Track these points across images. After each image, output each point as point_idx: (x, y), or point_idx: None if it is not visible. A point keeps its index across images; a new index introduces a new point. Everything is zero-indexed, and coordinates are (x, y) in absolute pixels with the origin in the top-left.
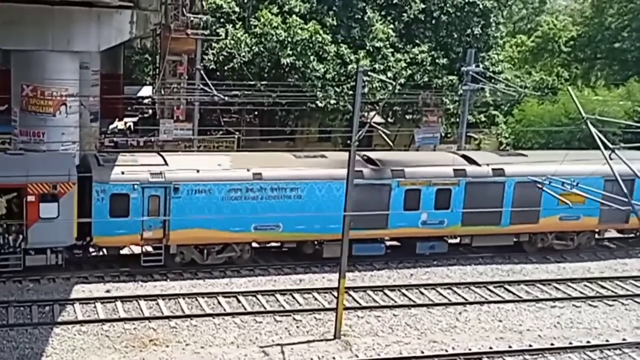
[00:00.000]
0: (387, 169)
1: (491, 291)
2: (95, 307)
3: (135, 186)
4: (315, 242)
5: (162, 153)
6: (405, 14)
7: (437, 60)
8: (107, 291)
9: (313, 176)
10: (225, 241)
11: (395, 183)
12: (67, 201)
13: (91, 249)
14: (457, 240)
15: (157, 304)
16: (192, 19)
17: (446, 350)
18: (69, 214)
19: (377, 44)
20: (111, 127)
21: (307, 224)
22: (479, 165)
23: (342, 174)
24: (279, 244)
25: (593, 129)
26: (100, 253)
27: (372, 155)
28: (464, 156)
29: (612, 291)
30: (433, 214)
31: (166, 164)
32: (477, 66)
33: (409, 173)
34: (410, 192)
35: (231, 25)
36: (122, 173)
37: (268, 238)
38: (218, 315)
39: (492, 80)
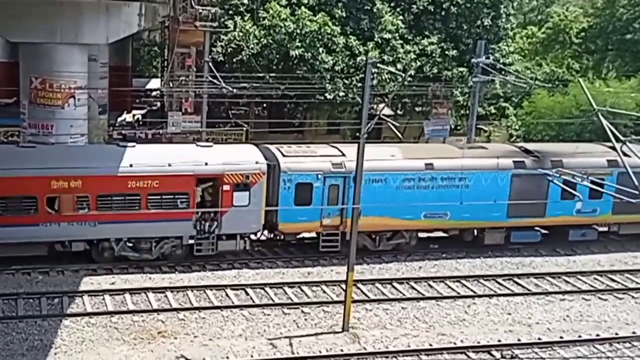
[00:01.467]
0: (547, 159)
1: (500, 284)
2: (103, 299)
3: (319, 176)
4: (475, 230)
5: (335, 144)
6: (414, 5)
7: (446, 52)
8: (112, 283)
9: (480, 166)
10: (396, 228)
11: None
12: (257, 190)
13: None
14: (606, 228)
15: (166, 296)
16: (200, 11)
17: (454, 343)
18: (258, 202)
19: (386, 36)
20: (119, 119)
21: (472, 212)
22: (629, 156)
23: (507, 165)
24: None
25: (604, 121)
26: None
27: (529, 146)
28: (613, 147)
29: (622, 284)
30: (587, 203)
31: (343, 154)
32: (487, 58)
33: (567, 163)
34: (568, 182)
35: (240, 17)
36: (332, 163)
37: (435, 226)
38: (226, 307)
39: (503, 72)
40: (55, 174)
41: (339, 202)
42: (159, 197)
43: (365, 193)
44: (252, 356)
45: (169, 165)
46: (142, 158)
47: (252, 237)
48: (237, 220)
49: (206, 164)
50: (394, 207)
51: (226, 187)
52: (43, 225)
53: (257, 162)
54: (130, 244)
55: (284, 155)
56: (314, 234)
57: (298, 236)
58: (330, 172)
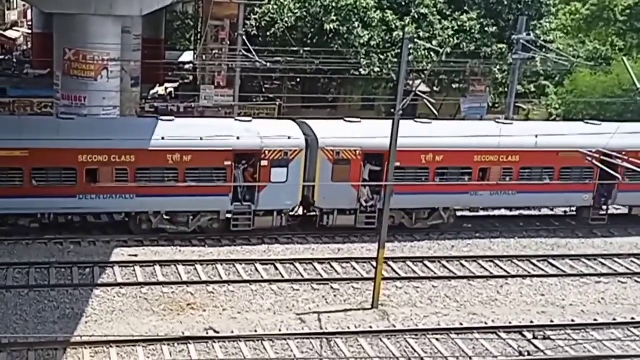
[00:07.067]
0: None
1: (534, 265)
2: (134, 270)
3: None
4: None
5: None
6: None
7: (486, 28)
8: (135, 255)
9: None
10: None
11: None
12: None
13: None
14: None
15: (195, 269)
16: None
17: (486, 323)
18: None
19: (424, 11)
20: (152, 92)
21: None
22: None
23: None
24: None
25: None
26: None
27: None
28: None
29: None
30: None
31: None
32: (528, 34)
33: None
34: None
35: None
36: None
37: None
38: (255, 282)
39: (544, 50)
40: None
41: None
42: None
43: None
44: (280, 330)
45: None
46: None
47: None
48: None
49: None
50: None
51: None
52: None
53: None
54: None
55: None
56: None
57: None
58: None
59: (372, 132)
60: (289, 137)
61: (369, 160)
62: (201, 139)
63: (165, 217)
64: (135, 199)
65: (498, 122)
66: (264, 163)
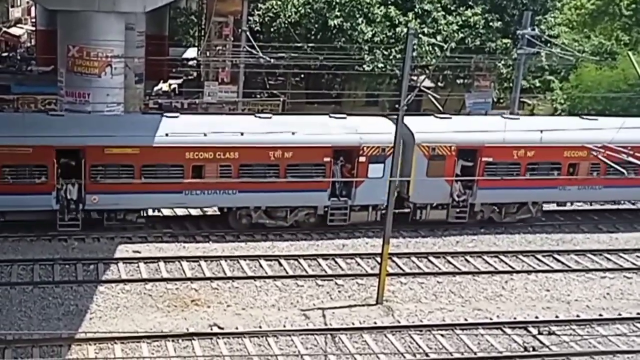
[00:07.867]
0: None
1: (539, 260)
2: (138, 266)
3: None
4: None
5: None
6: None
7: (490, 23)
8: (136, 251)
9: None
10: None
11: None
12: None
13: None
14: None
15: (199, 265)
16: None
17: (490, 319)
18: None
19: (427, 7)
20: (155, 88)
21: None
22: None
23: None
24: None
25: None
26: None
27: None
28: None
29: None
30: None
31: None
32: (533, 29)
33: None
34: None
35: None
36: None
37: None
38: (259, 277)
39: (549, 44)
40: None
41: None
42: None
43: None
44: (284, 326)
45: None
46: None
47: None
48: None
49: None
50: None
51: None
52: None
53: None
54: None
55: None
56: None
57: None
58: None
59: (464, 128)
60: (387, 134)
61: (462, 156)
62: (311, 134)
63: (263, 212)
64: (238, 195)
65: (583, 118)
66: (362, 159)
